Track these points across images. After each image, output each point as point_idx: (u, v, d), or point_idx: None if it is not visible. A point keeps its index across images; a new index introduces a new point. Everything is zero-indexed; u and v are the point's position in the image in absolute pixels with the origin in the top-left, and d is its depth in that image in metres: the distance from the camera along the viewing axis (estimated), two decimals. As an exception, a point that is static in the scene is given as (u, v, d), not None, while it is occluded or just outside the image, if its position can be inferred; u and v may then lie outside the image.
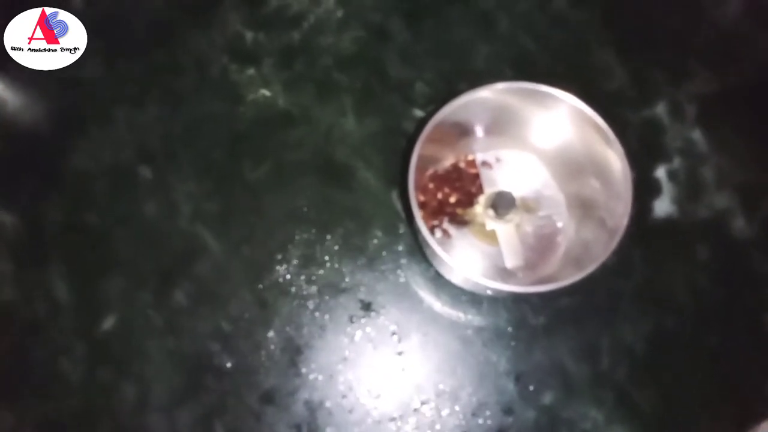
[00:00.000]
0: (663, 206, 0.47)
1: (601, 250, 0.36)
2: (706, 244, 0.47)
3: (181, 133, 0.49)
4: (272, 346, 0.44)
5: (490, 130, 0.41)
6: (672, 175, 0.48)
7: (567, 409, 0.43)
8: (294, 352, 0.44)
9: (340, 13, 0.51)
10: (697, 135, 0.49)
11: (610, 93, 0.50)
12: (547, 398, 0.43)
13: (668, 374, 0.44)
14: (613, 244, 0.34)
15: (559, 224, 0.42)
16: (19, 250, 0.46)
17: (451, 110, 0.36)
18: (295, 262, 0.45)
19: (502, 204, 0.38)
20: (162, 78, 0.50)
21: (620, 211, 0.34)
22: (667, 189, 0.48)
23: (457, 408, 0.43)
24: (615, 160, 0.35)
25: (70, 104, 0.50)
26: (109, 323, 0.44)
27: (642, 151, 0.48)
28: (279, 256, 0.46)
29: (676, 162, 0.48)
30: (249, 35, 0.51)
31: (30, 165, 0.49)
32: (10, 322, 0.45)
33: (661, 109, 0.49)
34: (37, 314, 0.45)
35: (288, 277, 0.45)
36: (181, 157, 0.48)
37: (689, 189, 0.48)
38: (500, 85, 0.35)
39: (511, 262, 0.39)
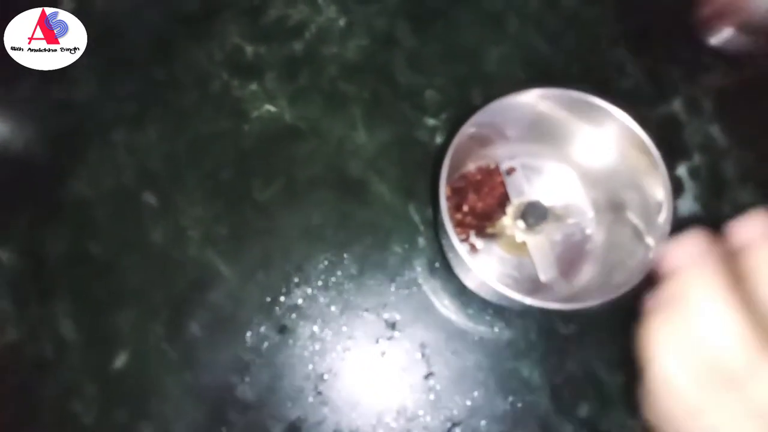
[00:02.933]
0: (686, 205, 0.46)
1: (637, 261, 0.35)
2: (732, 241, 0.46)
3: (184, 153, 0.46)
4: (295, 374, 0.42)
5: (514, 138, 0.40)
6: (693, 173, 0.47)
7: (605, 421, 0.41)
8: (318, 379, 0.42)
9: (342, 21, 0.50)
10: (715, 130, 0.48)
11: (626, 90, 0.48)
12: (584, 411, 0.42)
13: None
14: (651, 264, 0.33)
15: (588, 231, 0.41)
16: (19, 286, 0.44)
17: (483, 116, 0.34)
18: (313, 283, 0.44)
19: (534, 215, 0.36)
20: (160, 96, 0.48)
21: (659, 230, 0.33)
22: (689, 187, 0.47)
23: (492, 427, 0.41)
24: (657, 183, 0.33)
25: (65, 128, 0.48)
26: (121, 360, 0.42)
27: (661, 150, 0.47)
28: (296, 278, 0.44)
29: (697, 159, 0.47)
30: (249, 48, 0.49)
31: (25, 195, 0.46)
32: (16, 363, 0.42)
33: (677, 105, 0.48)
34: (43, 354, 0.42)
35: (307, 299, 0.43)
36: (186, 180, 0.46)
37: (712, 186, 0.47)
38: (537, 91, 0.33)
39: (545, 274, 0.37)
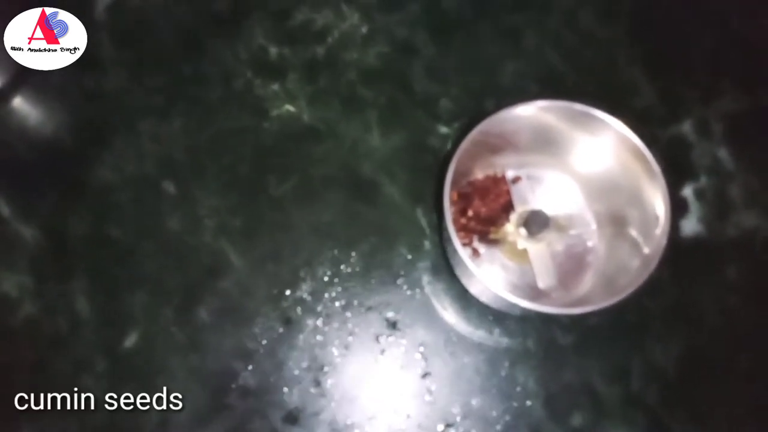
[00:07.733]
0: (690, 225, 0.47)
1: (634, 272, 0.35)
2: (734, 263, 0.46)
3: (205, 146, 0.48)
4: (296, 365, 0.43)
5: (521, 148, 0.41)
6: (699, 194, 0.48)
7: (597, 432, 0.42)
8: (318, 372, 0.43)
9: (364, 29, 0.51)
10: (724, 153, 0.49)
11: (638, 110, 0.49)
12: (577, 420, 0.42)
13: (700, 396, 0.43)
14: (648, 271, 0.33)
15: (589, 243, 0.41)
16: (40, 263, 0.46)
17: (489, 125, 0.35)
18: (320, 278, 0.45)
19: (536, 223, 0.37)
20: (187, 90, 0.50)
21: (656, 240, 0.34)
22: (695, 208, 0.47)
23: (484, 430, 0.42)
24: (656, 194, 0.34)
25: (94, 116, 0.50)
26: (131, 340, 0.44)
27: (669, 170, 0.48)
28: (304, 273, 0.45)
29: (703, 180, 0.48)
30: (273, 50, 0.51)
31: (52, 177, 0.48)
32: (32, 337, 0.44)
33: (687, 127, 0.49)
34: (58, 329, 0.44)
35: (313, 294, 0.45)
36: (205, 171, 0.48)
37: (717, 208, 0.47)
38: (541, 103, 0.35)
39: (543, 282, 0.38)
